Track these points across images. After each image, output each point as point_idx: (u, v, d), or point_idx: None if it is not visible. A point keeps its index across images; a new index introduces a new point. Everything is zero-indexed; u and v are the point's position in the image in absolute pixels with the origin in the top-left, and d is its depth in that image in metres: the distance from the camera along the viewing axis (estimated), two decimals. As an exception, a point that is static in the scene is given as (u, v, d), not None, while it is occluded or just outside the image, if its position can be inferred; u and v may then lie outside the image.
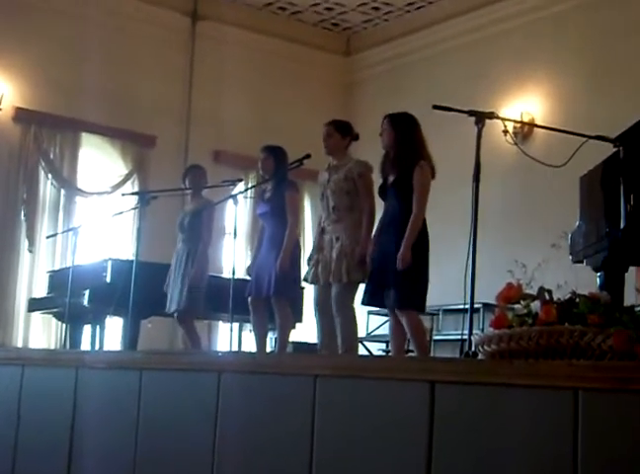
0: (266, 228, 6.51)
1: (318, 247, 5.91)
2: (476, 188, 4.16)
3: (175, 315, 7.02)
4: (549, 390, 2.64)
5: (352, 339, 5.79)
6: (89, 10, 9.97)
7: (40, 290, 9.03)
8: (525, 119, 9.33)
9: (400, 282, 5.24)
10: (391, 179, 5.47)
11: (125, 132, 10.11)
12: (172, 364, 4.32)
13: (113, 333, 8.26)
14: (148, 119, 10.23)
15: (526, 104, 9.62)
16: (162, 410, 4.25)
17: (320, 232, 5.96)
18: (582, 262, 5.29)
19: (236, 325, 7.87)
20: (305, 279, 6.04)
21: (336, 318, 5.75)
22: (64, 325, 8.29)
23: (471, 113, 4.28)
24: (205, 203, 7.06)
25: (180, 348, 7.69)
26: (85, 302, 7.39)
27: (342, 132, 6.00)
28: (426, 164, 5.37)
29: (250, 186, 9.75)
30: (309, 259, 6.00)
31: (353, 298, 5.82)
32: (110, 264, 7.53)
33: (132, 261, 6.91)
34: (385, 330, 9.27)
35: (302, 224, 10.28)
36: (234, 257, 6.29)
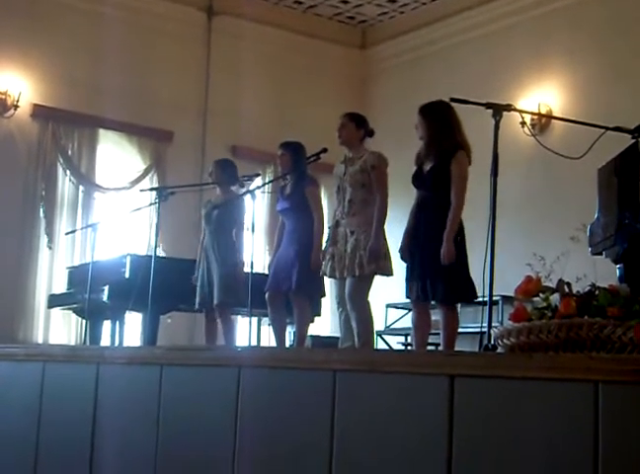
0: (286, 224, 6.52)
1: (332, 240, 5.90)
2: (494, 181, 4.15)
3: (215, 306, 6.98)
4: (569, 383, 2.63)
5: (367, 333, 5.77)
6: (105, 6, 9.99)
7: (60, 286, 9.07)
8: (543, 111, 9.28)
9: (447, 276, 5.18)
10: (428, 167, 5.42)
11: (143, 128, 10.13)
12: (192, 360, 4.33)
13: (132, 328, 8.29)
14: (165, 115, 10.25)
15: (544, 95, 9.57)
16: (182, 405, 4.26)
17: (334, 225, 5.95)
18: (601, 254, 5.27)
19: (255, 319, 7.88)
20: (324, 273, 6.04)
21: (351, 313, 5.74)
22: (84, 321, 8.33)
23: (488, 105, 4.26)
24: (234, 196, 7.05)
25: (201, 342, 7.71)
26: (104, 298, 7.41)
27: (356, 123, 5.99)
28: (464, 154, 5.32)
29: (267, 181, 9.75)
30: (323, 252, 5.99)
31: (367, 292, 5.80)
32: (128, 259, 7.55)
33: (151, 256, 6.92)
34: (404, 323, 9.28)
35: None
36: (252, 251, 6.29)
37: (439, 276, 5.22)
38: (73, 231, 9.19)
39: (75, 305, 8.23)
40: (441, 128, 5.37)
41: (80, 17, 9.89)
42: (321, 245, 6.20)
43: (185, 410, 4.24)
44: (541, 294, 3.14)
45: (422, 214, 5.43)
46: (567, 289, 3.09)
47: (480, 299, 4.12)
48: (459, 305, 9.17)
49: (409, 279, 5.42)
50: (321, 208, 6.58)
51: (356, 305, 5.71)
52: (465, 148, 5.36)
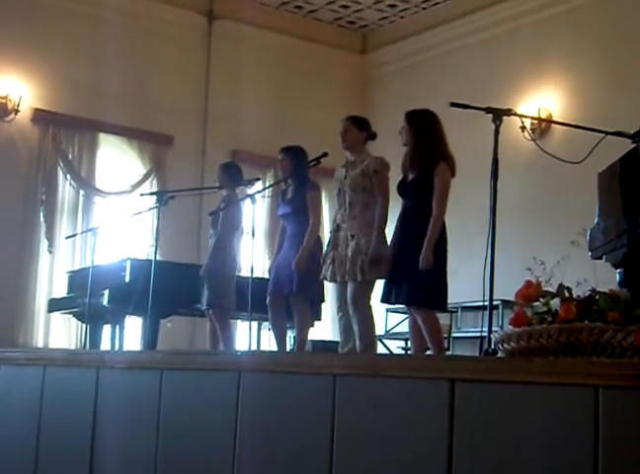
0: (287, 228, 6.52)
1: (333, 244, 5.90)
2: (494, 186, 4.14)
3: (209, 310, 6.98)
4: (569, 388, 2.63)
5: (369, 337, 5.78)
6: (105, 10, 10.00)
7: (60, 291, 9.07)
8: (543, 115, 9.30)
9: (417, 281, 5.23)
10: (410, 176, 5.46)
11: (143, 132, 10.14)
12: (192, 364, 4.33)
13: (132, 333, 8.29)
14: (166, 119, 10.26)
15: (544, 99, 9.58)
16: (183, 409, 4.26)
17: (335, 229, 5.95)
18: (601, 258, 5.27)
19: (255, 324, 7.87)
20: (324, 278, 6.03)
21: (352, 317, 5.74)
22: (84, 325, 8.32)
23: (488, 110, 4.26)
24: (232, 200, 7.01)
25: (201, 346, 7.71)
26: (105, 302, 7.41)
27: (359, 127, 6.01)
28: (446, 165, 5.34)
29: (268, 185, 9.76)
30: (324, 256, 5.99)
31: (369, 296, 5.81)
32: (129, 263, 7.55)
33: (151, 260, 6.92)
34: (404, 328, 9.27)
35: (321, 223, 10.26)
36: (252, 256, 6.30)
37: (403, 280, 5.30)
38: (73, 235, 9.19)
39: (75, 309, 8.23)
40: (425, 138, 5.41)
41: (80, 21, 9.90)
42: (310, 249, 6.21)
43: (185, 414, 4.24)
44: (541, 299, 3.14)
45: (404, 222, 5.48)
46: (567, 294, 3.09)
47: (480, 304, 4.11)
48: (460, 309, 9.23)
49: (387, 283, 5.48)
50: (319, 213, 6.59)
51: (358, 309, 5.72)
52: (448, 159, 5.39)
